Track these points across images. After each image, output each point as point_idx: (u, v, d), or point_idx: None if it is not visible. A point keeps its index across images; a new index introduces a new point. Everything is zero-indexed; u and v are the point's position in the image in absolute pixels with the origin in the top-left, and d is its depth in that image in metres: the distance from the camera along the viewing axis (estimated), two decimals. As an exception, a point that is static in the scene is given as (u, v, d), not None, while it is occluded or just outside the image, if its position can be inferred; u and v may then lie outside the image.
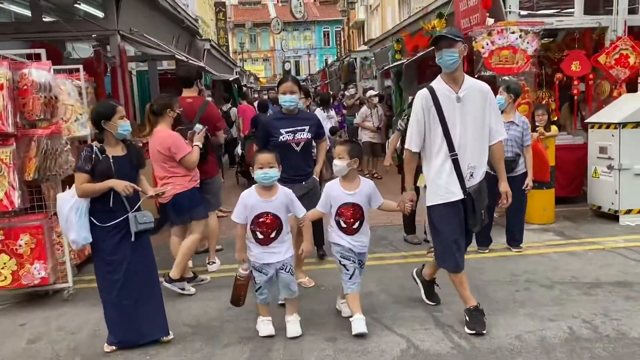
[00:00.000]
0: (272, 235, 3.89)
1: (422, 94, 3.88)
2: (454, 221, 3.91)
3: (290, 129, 4.68)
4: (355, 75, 19.69)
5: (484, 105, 3.87)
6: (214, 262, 5.82)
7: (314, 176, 4.95)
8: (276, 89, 4.73)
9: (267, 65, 57.64)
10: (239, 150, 11.03)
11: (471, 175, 3.87)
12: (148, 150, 5.19)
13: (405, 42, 11.88)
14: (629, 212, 6.77)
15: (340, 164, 3.91)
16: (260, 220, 3.87)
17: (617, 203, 6.77)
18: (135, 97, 11.42)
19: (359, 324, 3.93)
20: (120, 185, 3.78)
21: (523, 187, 5.57)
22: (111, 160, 3.86)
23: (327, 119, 9.78)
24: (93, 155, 3.85)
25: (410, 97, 12.70)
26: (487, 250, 5.84)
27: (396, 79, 13.38)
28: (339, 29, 50.87)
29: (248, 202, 3.88)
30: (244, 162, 11.01)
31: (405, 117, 6.01)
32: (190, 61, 10.02)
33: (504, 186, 4.08)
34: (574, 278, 4.95)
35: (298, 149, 4.73)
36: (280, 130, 4.66)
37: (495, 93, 8.86)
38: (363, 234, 4.05)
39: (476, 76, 7.68)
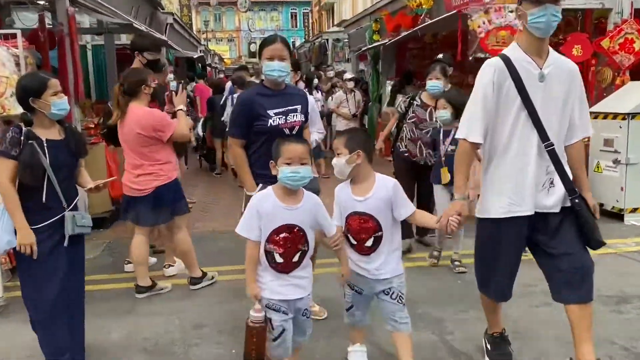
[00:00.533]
0: (296, 258, 2.72)
1: (494, 64, 2.84)
2: (515, 243, 2.98)
3: (281, 110, 3.48)
4: (327, 57, 18.88)
5: (569, 90, 2.86)
6: (172, 265, 4.99)
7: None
8: (258, 53, 3.66)
9: (232, 45, 56.03)
10: (199, 131, 10.16)
11: (551, 182, 2.92)
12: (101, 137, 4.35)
13: (386, 22, 11.12)
14: (634, 210, 6.23)
15: (338, 162, 2.89)
16: (281, 236, 2.68)
17: (622, 201, 6.22)
18: (90, 74, 10.49)
19: (357, 358, 3.19)
20: (23, 238, 3.00)
21: None
22: (45, 144, 3.06)
23: (315, 102, 8.94)
24: (22, 138, 3.02)
25: (388, 81, 12.11)
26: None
27: (373, 62, 12.68)
28: (307, 10, 49.88)
29: (263, 208, 2.68)
30: (205, 145, 10.30)
31: (408, 99, 5.28)
32: (151, 33, 9.03)
33: (589, 198, 2.99)
34: (596, 290, 4.32)
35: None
36: (268, 111, 3.44)
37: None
38: (381, 256, 2.91)
39: (471, 58, 7.06)
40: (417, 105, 5.12)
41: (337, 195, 3.00)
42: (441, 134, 4.65)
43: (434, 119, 4.95)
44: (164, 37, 10.36)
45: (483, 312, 3.90)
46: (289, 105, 3.52)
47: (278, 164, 2.70)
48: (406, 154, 5.18)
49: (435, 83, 4.91)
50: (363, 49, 13.06)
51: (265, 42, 3.51)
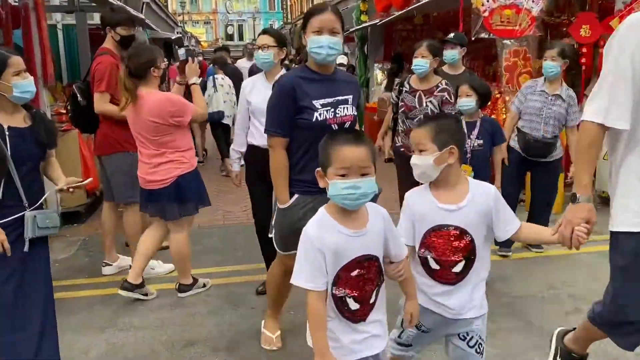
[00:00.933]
0: (372, 299, 2.02)
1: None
2: None
3: (329, 100, 2.76)
4: (309, 39, 18.30)
5: None
6: (109, 264, 4.54)
7: None
8: (302, 25, 2.86)
9: (208, 28, 54.88)
10: None
11: None
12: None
13: (375, 1, 10.61)
14: (647, 201, 5.88)
15: (421, 161, 2.16)
16: (354, 274, 1.95)
17: (635, 191, 5.86)
18: (61, 56, 9.83)
19: None
20: None
21: (568, 179, 4.52)
22: (6, 133, 2.60)
23: None
24: None
25: (376, 65, 11.62)
26: (510, 253, 4.77)
27: (360, 44, 12.18)
28: (285, -8, 49.03)
29: (327, 244, 1.92)
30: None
31: (397, 87, 4.66)
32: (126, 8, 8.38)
33: None
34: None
35: None
36: (314, 101, 2.73)
37: (491, 59, 7.89)
38: (468, 287, 2.20)
39: (473, 39, 6.62)
40: (405, 91, 4.42)
41: (410, 203, 2.24)
42: (464, 127, 3.93)
43: (424, 104, 4.29)
44: (140, 16, 9.70)
45: (511, 320, 3.54)
46: (338, 94, 2.80)
47: (328, 175, 1.93)
48: (402, 149, 4.40)
49: (420, 62, 4.17)
50: (350, 30, 12.53)
51: (313, 12, 2.76)
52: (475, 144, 3.97)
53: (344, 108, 2.79)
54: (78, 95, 4.33)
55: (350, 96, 2.84)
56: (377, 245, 2.00)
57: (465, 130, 3.97)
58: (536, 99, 4.44)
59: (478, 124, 3.98)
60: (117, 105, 4.21)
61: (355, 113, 2.86)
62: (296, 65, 12.15)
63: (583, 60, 6.74)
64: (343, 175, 1.88)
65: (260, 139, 3.73)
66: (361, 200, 1.91)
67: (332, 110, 2.75)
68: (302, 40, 2.83)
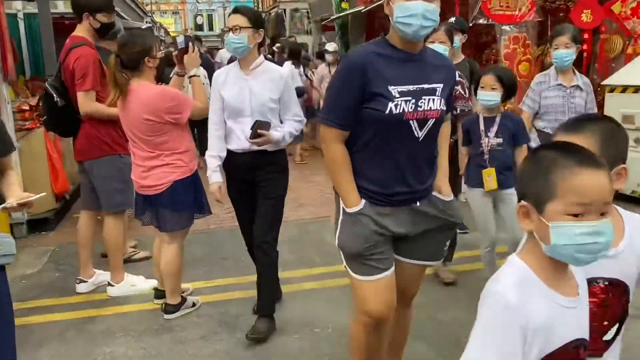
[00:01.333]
0: None
1: None
2: None
3: (411, 88, 2.12)
4: (284, 29, 17.81)
5: None
6: (84, 281, 4.05)
7: (437, 194, 2.33)
8: None
9: (177, 18, 53.65)
10: None
11: None
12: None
13: (358, -13, 10.20)
14: (658, 195, 5.62)
15: None
16: None
17: (644, 184, 5.59)
18: (23, 48, 9.19)
19: None
20: None
21: None
22: None
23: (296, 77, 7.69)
24: None
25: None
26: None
27: (341, 33, 11.73)
28: (256, -19, 48.29)
29: (532, 316, 1.23)
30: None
31: None
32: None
33: None
34: None
35: (421, 134, 2.17)
36: (390, 87, 2.09)
37: (486, 46, 7.54)
38: (614, 351, 1.60)
39: (471, 24, 6.27)
40: None
41: None
42: (481, 122, 3.49)
43: None
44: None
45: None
46: (424, 81, 2.14)
47: (548, 212, 1.24)
48: None
49: (439, 48, 3.42)
50: (331, 18, 12.09)
51: None
52: (494, 143, 3.46)
53: (428, 100, 2.13)
54: (54, 95, 3.79)
55: (440, 85, 2.18)
56: (587, 321, 1.36)
57: (482, 127, 3.51)
58: (555, 95, 3.99)
59: (498, 119, 3.48)
60: (102, 103, 3.74)
61: (444, 108, 2.21)
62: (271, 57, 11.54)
63: (584, 46, 6.43)
64: (577, 215, 1.22)
65: (237, 142, 3.16)
66: (601, 253, 1.24)
67: (413, 101, 2.10)
68: (385, 9, 2.19)
